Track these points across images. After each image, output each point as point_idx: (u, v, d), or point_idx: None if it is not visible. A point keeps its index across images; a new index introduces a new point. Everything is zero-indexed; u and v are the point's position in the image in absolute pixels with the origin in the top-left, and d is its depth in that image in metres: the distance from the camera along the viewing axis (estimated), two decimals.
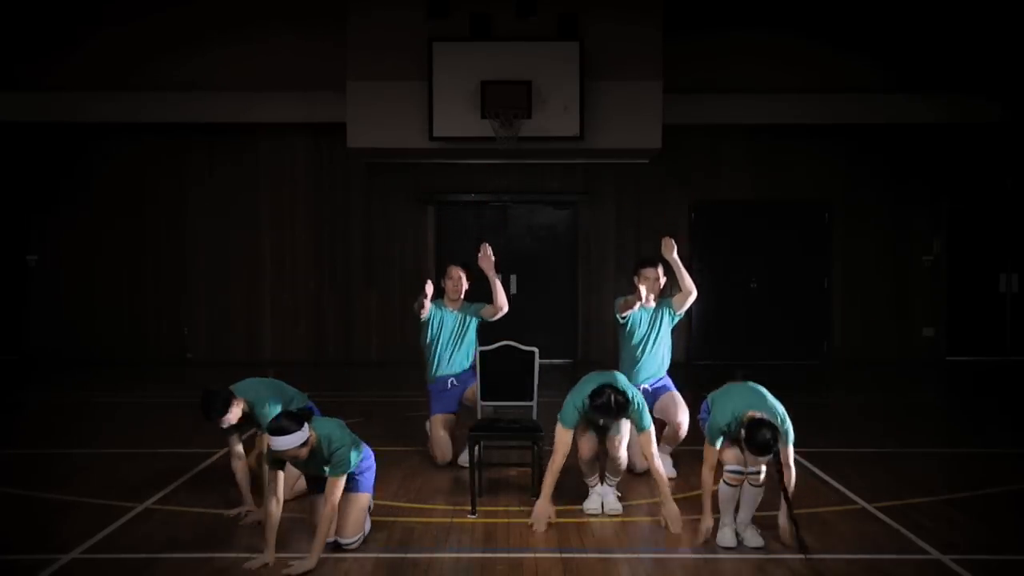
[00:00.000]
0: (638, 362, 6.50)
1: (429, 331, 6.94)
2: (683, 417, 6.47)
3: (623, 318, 6.44)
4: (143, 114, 12.69)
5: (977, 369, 12.66)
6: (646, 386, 6.58)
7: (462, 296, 7.03)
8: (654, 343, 6.51)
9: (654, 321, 6.49)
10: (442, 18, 11.63)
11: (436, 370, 6.96)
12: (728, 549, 5.04)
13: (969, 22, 12.76)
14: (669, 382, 6.69)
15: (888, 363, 12.97)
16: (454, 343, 6.93)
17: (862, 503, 5.94)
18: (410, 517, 5.64)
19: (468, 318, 6.96)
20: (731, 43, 12.77)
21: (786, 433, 5.03)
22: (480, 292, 7.07)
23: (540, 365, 6.47)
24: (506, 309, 6.91)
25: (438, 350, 6.95)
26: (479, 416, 6.62)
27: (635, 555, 4.98)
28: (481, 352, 6.50)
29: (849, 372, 12.54)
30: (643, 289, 6.26)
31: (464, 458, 6.69)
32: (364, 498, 5.08)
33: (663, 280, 6.52)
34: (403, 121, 11.70)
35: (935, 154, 13.19)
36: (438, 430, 6.87)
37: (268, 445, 4.75)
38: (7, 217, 13.29)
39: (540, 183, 13.27)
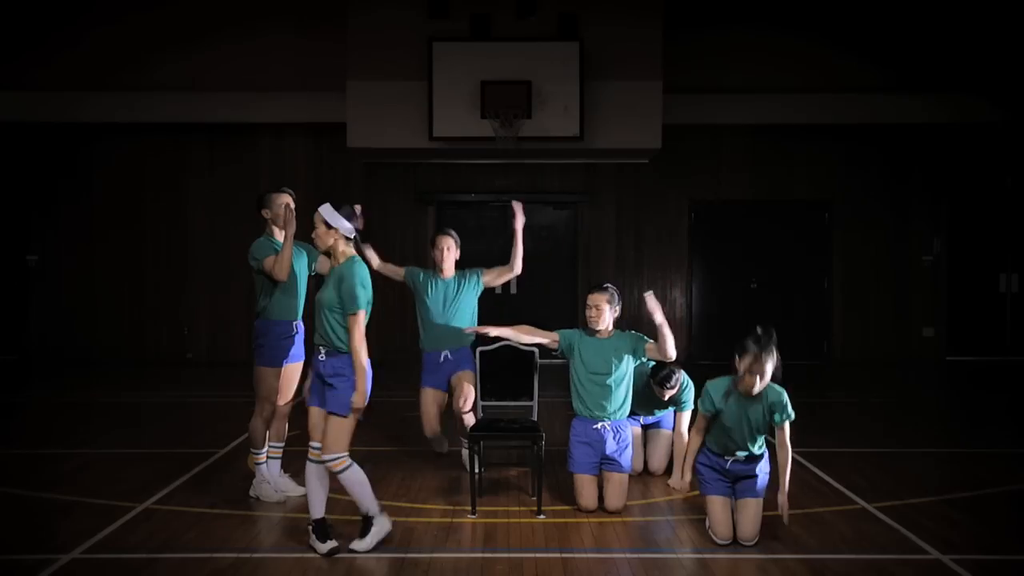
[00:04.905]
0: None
1: (419, 300, 6.69)
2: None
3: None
4: (144, 114, 12.72)
5: (977, 369, 12.65)
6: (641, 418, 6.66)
7: (451, 266, 6.73)
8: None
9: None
10: (442, 18, 11.63)
11: (427, 342, 6.67)
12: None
13: (968, 22, 12.76)
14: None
15: (888, 363, 12.97)
16: (446, 313, 6.62)
17: (862, 503, 5.94)
18: (410, 517, 5.64)
19: (463, 285, 6.66)
20: (731, 43, 12.78)
21: (786, 413, 5.09)
22: (472, 262, 6.94)
23: (540, 365, 6.46)
24: (519, 271, 6.70)
25: (429, 320, 6.65)
26: (457, 404, 6.62)
27: (635, 555, 4.98)
28: (481, 352, 6.46)
29: (849, 372, 12.53)
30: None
31: (464, 456, 6.71)
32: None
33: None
34: (403, 121, 11.70)
35: (935, 154, 13.19)
36: (427, 404, 6.69)
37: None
38: (7, 217, 13.29)
39: (540, 183, 13.26)
